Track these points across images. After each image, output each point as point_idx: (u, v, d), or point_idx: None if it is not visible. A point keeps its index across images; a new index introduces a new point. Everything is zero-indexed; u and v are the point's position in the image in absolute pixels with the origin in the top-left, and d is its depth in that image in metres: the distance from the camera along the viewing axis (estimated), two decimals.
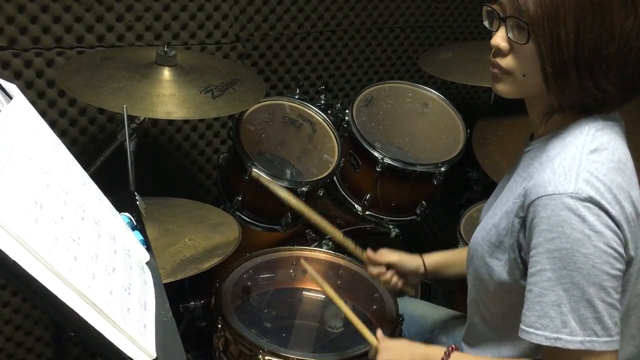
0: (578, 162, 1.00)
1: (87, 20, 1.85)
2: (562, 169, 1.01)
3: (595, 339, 0.97)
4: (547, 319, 0.99)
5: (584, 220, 0.96)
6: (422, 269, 1.47)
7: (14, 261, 0.67)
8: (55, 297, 0.71)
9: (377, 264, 1.47)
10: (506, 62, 1.07)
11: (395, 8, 2.48)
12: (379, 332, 1.32)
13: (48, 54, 1.82)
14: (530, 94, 1.11)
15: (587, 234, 0.96)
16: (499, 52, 1.08)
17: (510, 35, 1.05)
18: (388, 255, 1.47)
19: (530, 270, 1.02)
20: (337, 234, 1.51)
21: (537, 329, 1.00)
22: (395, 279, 1.47)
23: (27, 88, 1.82)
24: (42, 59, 1.82)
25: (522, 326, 1.03)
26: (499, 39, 1.07)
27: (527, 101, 1.14)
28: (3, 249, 0.67)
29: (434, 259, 1.49)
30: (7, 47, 1.76)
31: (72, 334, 0.75)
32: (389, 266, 1.47)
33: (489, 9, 1.10)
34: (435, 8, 2.59)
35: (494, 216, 1.15)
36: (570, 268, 0.97)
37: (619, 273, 0.98)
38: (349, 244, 1.50)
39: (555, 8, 0.98)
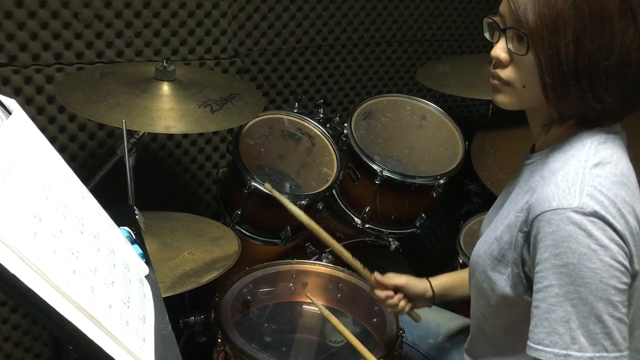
0: (582, 177, 1.00)
1: (87, 37, 1.86)
2: (565, 183, 1.00)
3: (605, 354, 0.96)
4: (556, 336, 0.98)
5: (589, 234, 0.96)
6: (429, 292, 1.45)
7: (13, 274, 0.67)
8: (54, 310, 0.71)
9: (384, 286, 1.45)
10: (506, 73, 1.07)
11: (393, 22, 2.50)
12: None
13: (48, 70, 1.83)
14: (530, 105, 1.11)
15: (594, 248, 0.95)
16: (499, 64, 1.08)
17: (510, 46, 1.05)
18: (396, 278, 1.45)
19: (536, 286, 1.01)
20: (346, 254, 1.48)
21: (546, 346, 0.99)
22: (402, 303, 1.45)
23: (27, 104, 1.83)
24: (42, 75, 1.83)
25: (530, 343, 1.01)
26: (499, 50, 1.07)
27: (527, 112, 1.14)
28: (2, 263, 0.67)
29: (440, 281, 1.47)
30: (7, 64, 1.77)
31: (71, 348, 0.75)
32: (397, 290, 1.45)
33: (489, 20, 1.10)
34: (433, 22, 2.61)
35: (496, 229, 1.15)
36: (577, 283, 0.96)
37: (625, 287, 0.98)
38: (358, 265, 1.48)
39: (554, 19, 0.98)
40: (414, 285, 1.45)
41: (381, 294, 1.45)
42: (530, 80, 1.04)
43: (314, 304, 1.67)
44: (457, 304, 1.61)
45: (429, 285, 1.46)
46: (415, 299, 1.46)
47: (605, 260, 0.95)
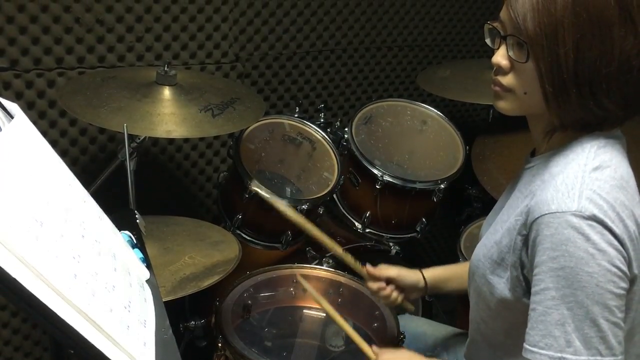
0: (581, 180, 1.00)
1: (88, 41, 1.87)
2: (565, 186, 1.00)
3: (599, 358, 0.96)
4: (551, 338, 0.98)
5: (587, 238, 0.96)
6: (421, 283, 1.46)
7: (14, 278, 0.68)
8: (55, 314, 0.71)
9: (376, 278, 1.46)
10: (507, 80, 1.08)
11: (394, 27, 2.50)
12: (375, 347, 1.31)
13: (49, 74, 1.84)
14: (531, 112, 1.11)
15: (591, 252, 0.95)
16: (500, 70, 1.08)
17: (510, 53, 1.05)
18: (387, 269, 1.47)
19: (533, 289, 1.01)
20: (337, 249, 1.51)
21: (541, 349, 0.99)
22: (395, 294, 1.46)
23: (28, 109, 1.84)
24: (43, 79, 1.83)
25: (526, 345, 1.02)
26: (500, 57, 1.07)
27: (529, 119, 1.14)
28: (3, 266, 0.67)
29: (433, 273, 1.49)
30: (8, 68, 1.77)
31: (72, 352, 0.75)
32: (389, 281, 1.46)
33: (490, 26, 1.10)
34: (433, 27, 2.61)
35: (495, 233, 1.15)
36: (574, 287, 0.96)
37: (622, 292, 0.98)
38: (349, 258, 1.50)
39: (554, 27, 0.98)
40: (406, 276, 1.46)
41: (373, 285, 1.47)
42: (531, 88, 1.04)
43: (314, 307, 1.67)
44: (457, 314, 1.61)
45: (421, 277, 1.47)
46: (408, 290, 1.47)
47: (603, 264, 0.95)
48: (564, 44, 0.98)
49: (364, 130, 2.13)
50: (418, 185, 2.00)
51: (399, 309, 1.57)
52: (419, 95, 2.64)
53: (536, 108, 1.07)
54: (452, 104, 2.73)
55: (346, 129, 2.08)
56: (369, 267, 1.47)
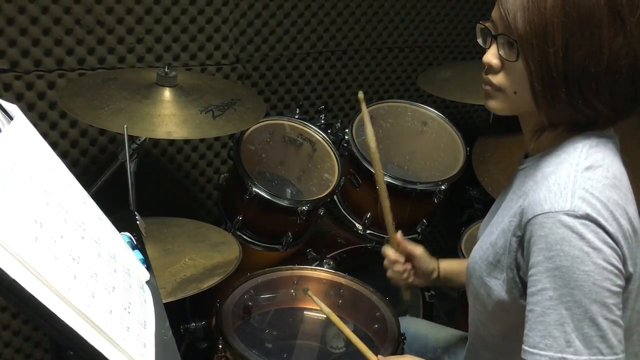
0: (573, 180, 1.00)
1: (89, 43, 1.87)
2: (557, 186, 1.00)
3: (600, 357, 0.96)
4: (550, 339, 0.98)
5: (582, 237, 0.96)
6: (435, 273, 1.48)
7: (13, 279, 0.67)
8: (55, 315, 0.71)
9: (400, 249, 1.46)
10: (498, 79, 1.08)
11: (394, 28, 2.50)
12: (381, 357, 1.31)
13: (50, 76, 1.84)
14: (522, 111, 1.12)
15: (586, 251, 0.95)
16: (491, 69, 1.09)
17: (501, 52, 1.06)
18: (414, 246, 1.47)
19: (530, 290, 1.01)
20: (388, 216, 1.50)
21: (541, 350, 0.99)
22: (406, 273, 1.46)
23: (28, 110, 1.84)
24: (43, 81, 1.83)
25: (525, 347, 1.01)
26: (491, 56, 1.08)
27: (520, 118, 1.15)
28: (2, 267, 0.67)
29: (448, 265, 1.49)
30: (9, 70, 1.78)
31: (72, 353, 0.75)
32: (408, 259, 1.47)
33: (482, 26, 1.11)
34: (434, 28, 2.61)
35: (491, 235, 1.15)
36: (571, 286, 0.96)
37: (619, 289, 0.98)
38: (389, 217, 1.49)
39: (543, 26, 0.99)
40: (426, 260, 1.47)
41: (392, 254, 1.46)
42: (521, 87, 1.05)
43: (315, 308, 1.67)
44: (458, 316, 1.60)
45: (436, 266, 1.48)
46: (420, 275, 1.48)
47: (598, 262, 0.95)
48: (553, 43, 0.99)
49: (364, 132, 2.13)
50: (419, 187, 1.99)
51: (400, 311, 1.57)
52: (420, 96, 2.64)
53: (526, 107, 1.07)
54: (452, 105, 2.73)
55: (347, 130, 2.07)
56: (399, 235, 1.47)
